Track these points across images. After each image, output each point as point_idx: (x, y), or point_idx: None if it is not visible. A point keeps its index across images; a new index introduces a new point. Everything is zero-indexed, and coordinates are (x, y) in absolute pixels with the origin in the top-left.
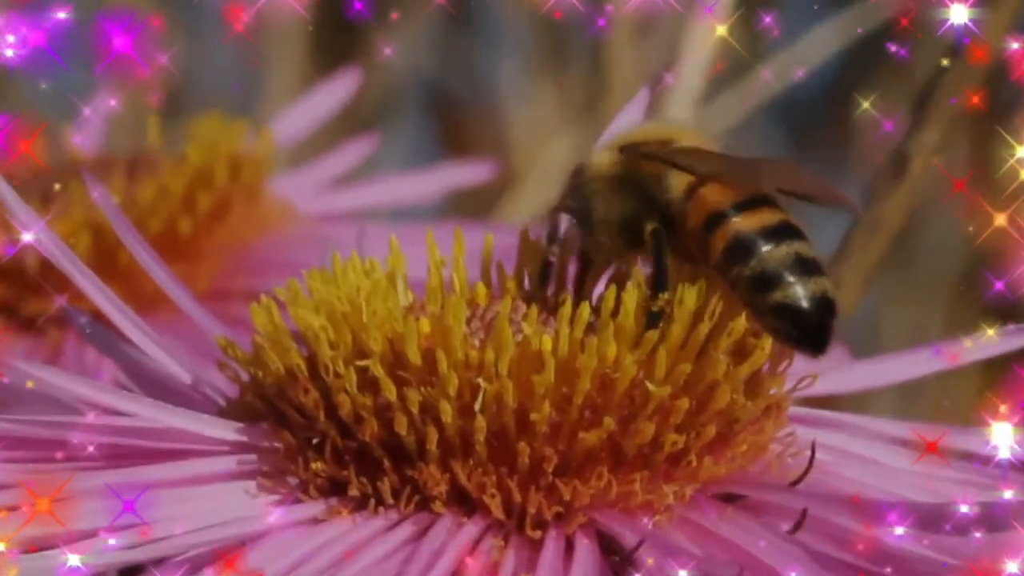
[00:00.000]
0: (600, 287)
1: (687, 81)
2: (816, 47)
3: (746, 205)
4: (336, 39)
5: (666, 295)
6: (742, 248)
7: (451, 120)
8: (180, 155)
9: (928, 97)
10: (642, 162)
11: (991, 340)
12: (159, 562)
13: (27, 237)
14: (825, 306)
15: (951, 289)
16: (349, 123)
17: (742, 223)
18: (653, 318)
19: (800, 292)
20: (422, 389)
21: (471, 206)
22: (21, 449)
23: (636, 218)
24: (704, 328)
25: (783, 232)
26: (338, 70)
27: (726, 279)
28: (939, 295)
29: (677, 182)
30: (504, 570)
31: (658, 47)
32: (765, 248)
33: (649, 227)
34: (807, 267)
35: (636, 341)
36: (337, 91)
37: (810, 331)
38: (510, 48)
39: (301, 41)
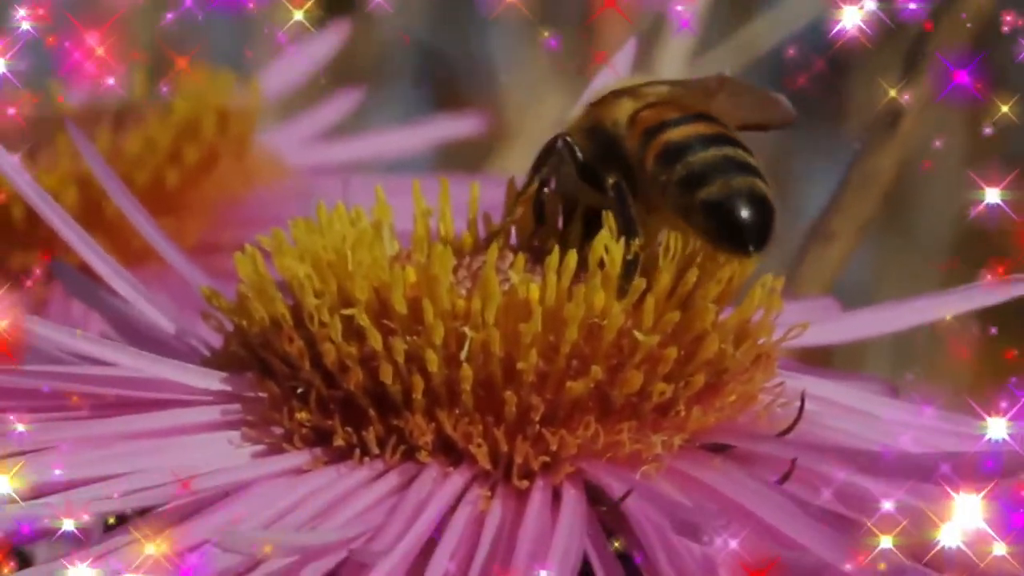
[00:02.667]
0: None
1: (678, 36)
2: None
3: (681, 121)
4: None
5: (638, 241)
6: (671, 153)
7: (444, 80)
8: (167, 107)
9: (920, 51)
10: (602, 108)
11: (989, 288)
12: (142, 512)
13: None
14: (753, 201)
15: (946, 255)
16: (343, 84)
17: (674, 133)
18: (630, 266)
19: (726, 188)
20: (408, 338)
21: (462, 162)
22: (5, 399)
23: (601, 165)
24: (692, 276)
25: (716, 140)
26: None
27: (658, 188)
28: (934, 260)
29: (622, 113)
30: (490, 520)
31: (649, 6)
32: (690, 152)
33: (610, 181)
34: (736, 166)
35: (623, 289)
36: (326, 44)
37: (738, 227)
38: (503, 8)
39: None
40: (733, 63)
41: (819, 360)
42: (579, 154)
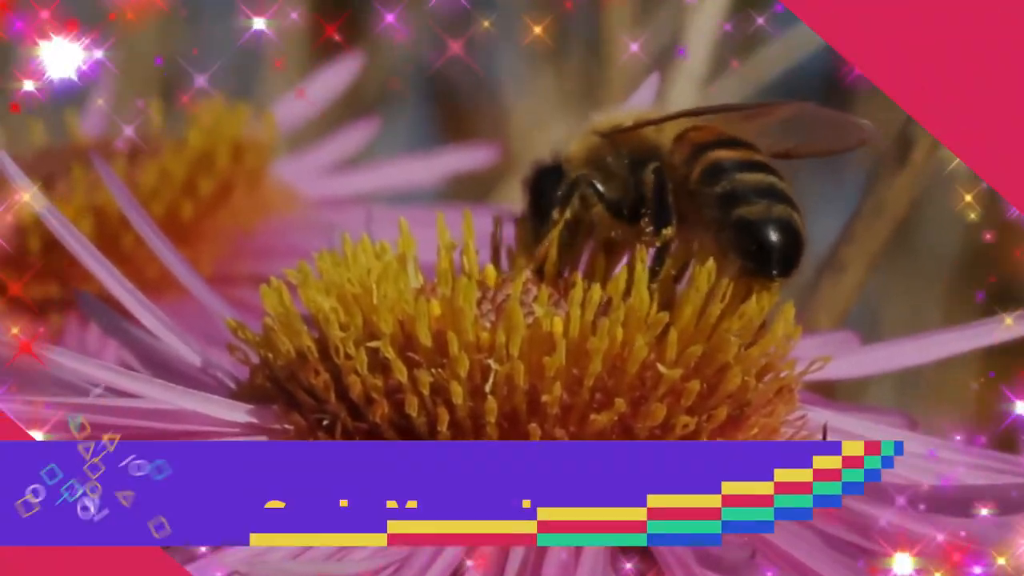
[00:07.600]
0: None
1: (689, 64)
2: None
3: (729, 143)
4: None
5: (670, 231)
6: (718, 170)
7: (452, 108)
8: (182, 139)
9: None
10: (633, 135)
11: (1000, 326)
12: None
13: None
14: (788, 230)
15: (951, 278)
16: (351, 111)
17: (722, 153)
18: (660, 253)
19: (766, 212)
20: (433, 371)
21: (471, 191)
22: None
23: (633, 184)
24: (715, 310)
25: (759, 167)
26: (340, 55)
27: (699, 199)
28: (939, 285)
29: (668, 133)
30: (515, 551)
31: (657, 34)
32: (739, 172)
33: (651, 167)
34: (775, 194)
35: (647, 322)
36: (339, 76)
37: (769, 249)
38: (513, 37)
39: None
40: (742, 91)
41: (823, 390)
42: (605, 192)
